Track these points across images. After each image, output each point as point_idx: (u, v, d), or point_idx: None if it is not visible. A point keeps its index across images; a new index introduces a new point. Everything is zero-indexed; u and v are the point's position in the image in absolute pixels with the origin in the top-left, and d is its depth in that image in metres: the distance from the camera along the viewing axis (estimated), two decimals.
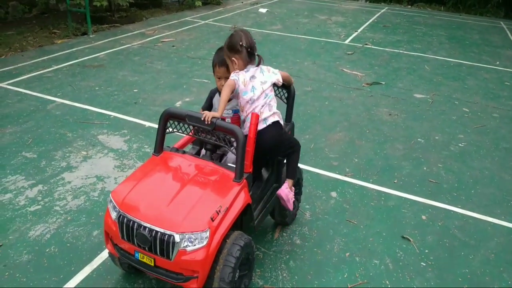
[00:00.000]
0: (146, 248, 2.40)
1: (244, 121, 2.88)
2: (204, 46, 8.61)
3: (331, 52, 8.88)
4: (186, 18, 11.29)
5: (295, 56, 8.35)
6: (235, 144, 2.59)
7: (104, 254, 3.11)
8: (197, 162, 2.77)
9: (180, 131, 2.81)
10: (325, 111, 5.93)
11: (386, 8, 14.90)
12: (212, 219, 2.38)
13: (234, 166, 2.65)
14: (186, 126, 2.76)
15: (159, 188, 2.58)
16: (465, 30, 11.86)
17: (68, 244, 3.23)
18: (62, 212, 3.59)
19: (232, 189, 2.57)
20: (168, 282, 2.51)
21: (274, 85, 3.00)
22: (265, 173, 3.06)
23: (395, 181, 4.31)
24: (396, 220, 3.72)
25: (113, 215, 2.52)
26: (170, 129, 2.82)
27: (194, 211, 2.41)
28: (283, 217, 3.38)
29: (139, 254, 2.46)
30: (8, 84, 6.23)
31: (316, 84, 6.94)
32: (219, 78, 2.93)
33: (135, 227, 2.41)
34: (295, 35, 10.05)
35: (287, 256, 3.22)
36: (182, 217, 2.37)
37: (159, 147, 2.85)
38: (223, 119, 2.63)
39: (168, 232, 2.33)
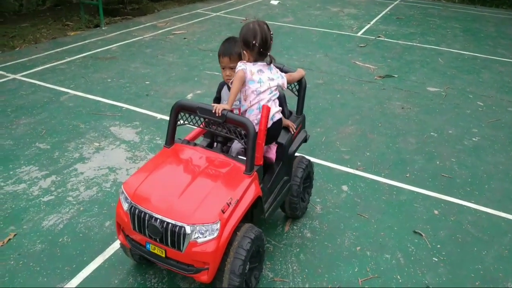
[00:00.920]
0: (158, 239, 2.42)
1: (246, 111, 2.81)
2: (215, 39, 8.59)
3: (343, 44, 8.80)
4: (198, 10, 11.27)
5: (307, 49, 8.28)
6: (246, 136, 2.58)
7: (116, 244, 3.15)
8: (208, 154, 2.77)
9: (191, 123, 2.81)
10: (337, 104, 5.89)
11: (400, 0, 14.69)
12: (223, 211, 2.38)
13: (245, 158, 2.65)
14: (197, 118, 2.76)
15: (171, 180, 2.59)
16: (480, 23, 11.64)
17: (81, 234, 3.27)
18: (74, 202, 3.63)
19: (243, 181, 2.57)
20: (179, 274, 2.52)
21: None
22: (275, 166, 3.05)
23: (407, 175, 4.27)
24: (408, 215, 3.69)
25: (125, 206, 2.54)
26: (181, 121, 2.83)
27: (205, 203, 2.41)
28: (293, 210, 3.37)
29: (151, 245, 2.48)
30: (22, 76, 6.29)
31: (328, 76, 6.88)
32: (223, 68, 2.93)
33: (146, 218, 2.42)
34: (307, 27, 9.97)
35: (298, 249, 3.22)
36: (193, 209, 2.38)
37: (170, 139, 2.85)
38: (231, 110, 2.62)
39: (179, 223, 2.34)
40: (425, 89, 6.59)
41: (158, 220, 2.38)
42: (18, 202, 3.61)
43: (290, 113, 3.32)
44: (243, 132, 2.61)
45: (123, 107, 5.45)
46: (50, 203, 3.61)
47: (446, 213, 3.75)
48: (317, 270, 3.04)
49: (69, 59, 7.10)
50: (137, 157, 4.35)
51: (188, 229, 2.33)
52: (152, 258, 2.53)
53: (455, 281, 3.02)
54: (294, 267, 3.05)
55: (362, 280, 2.97)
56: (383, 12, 12.27)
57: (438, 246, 3.35)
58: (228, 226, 2.40)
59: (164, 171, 2.67)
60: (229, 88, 2.93)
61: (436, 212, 3.75)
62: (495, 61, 8.25)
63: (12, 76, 6.27)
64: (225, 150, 2.94)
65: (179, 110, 2.76)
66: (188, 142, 2.88)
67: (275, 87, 2.86)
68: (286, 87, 2.98)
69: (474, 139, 5.10)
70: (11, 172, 4.01)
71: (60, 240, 3.21)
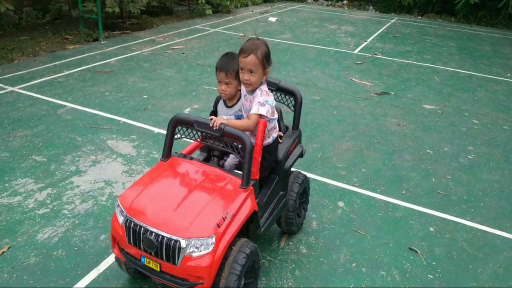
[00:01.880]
0: (152, 253, 2.41)
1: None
2: (213, 54, 8.67)
3: (340, 61, 8.89)
4: (196, 26, 11.39)
5: (304, 65, 8.37)
6: (242, 151, 2.60)
7: (111, 258, 3.12)
8: (204, 168, 2.78)
9: (188, 137, 2.83)
10: (333, 120, 5.93)
11: (396, 18, 14.90)
12: (218, 225, 2.38)
13: (241, 172, 2.65)
14: (194, 132, 2.78)
15: (166, 193, 2.59)
16: (476, 42, 11.81)
17: (76, 248, 3.25)
18: (70, 215, 3.62)
19: (239, 195, 2.58)
20: None
21: (279, 90, 3.16)
22: (271, 181, 3.06)
23: (403, 192, 4.29)
24: (403, 232, 3.69)
25: (120, 219, 2.54)
26: (179, 135, 2.84)
27: (200, 217, 2.41)
28: (289, 226, 3.37)
29: (145, 259, 2.47)
30: (20, 88, 6.31)
31: (324, 93, 6.94)
32: (219, 82, 2.95)
33: (141, 231, 2.41)
34: (305, 44, 10.08)
35: (293, 265, 3.21)
36: (188, 223, 2.38)
37: (167, 153, 2.86)
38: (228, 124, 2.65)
39: (174, 237, 2.34)
40: (421, 106, 6.65)
41: (154, 234, 2.38)
42: (13, 215, 3.59)
43: (287, 128, 3.34)
44: (239, 146, 2.63)
45: (121, 120, 5.47)
46: (45, 216, 3.59)
47: (442, 230, 3.75)
48: (312, 286, 3.02)
49: (67, 72, 7.13)
50: (133, 170, 4.35)
51: (183, 243, 2.32)
52: (147, 272, 2.52)
53: None
54: (290, 283, 3.03)
55: None
56: (380, 30, 12.43)
57: (434, 263, 3.34)
58: (223, 240, 2.40)
59: (160, 185, 2.67)
60: (224, 102, 2.97)
61: (431, 229, 3.76)
62: (491, 79, 8.35)
63: (10, 89, 6.30)
64: (222, 164, 2.95)
65: (176, 123, 2.78)
66: (185, 156, 2.89)
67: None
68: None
69: (469, 156, 5.13)
70: (7, 185, 4.00)
71: (54, 253, 3.19)
